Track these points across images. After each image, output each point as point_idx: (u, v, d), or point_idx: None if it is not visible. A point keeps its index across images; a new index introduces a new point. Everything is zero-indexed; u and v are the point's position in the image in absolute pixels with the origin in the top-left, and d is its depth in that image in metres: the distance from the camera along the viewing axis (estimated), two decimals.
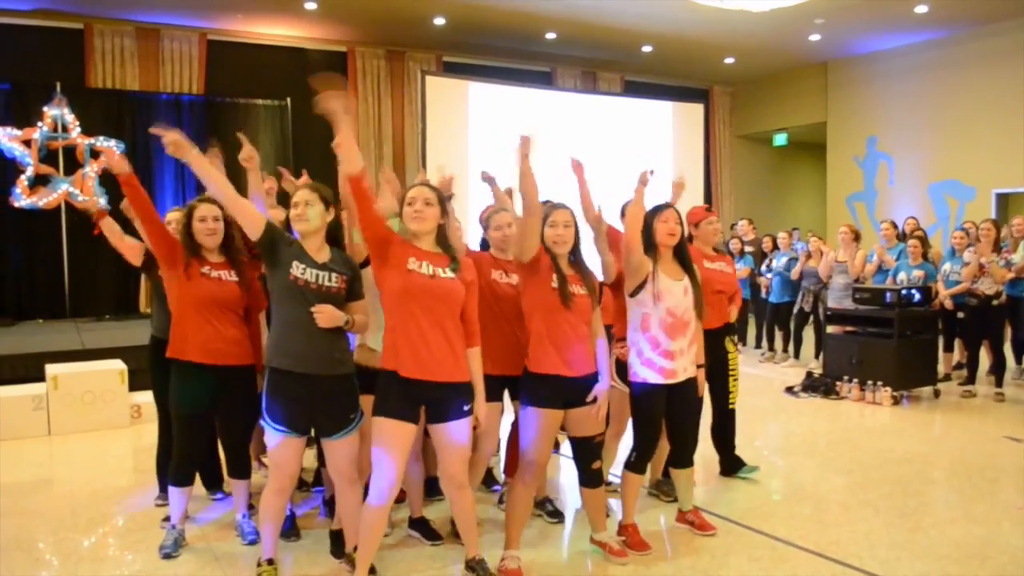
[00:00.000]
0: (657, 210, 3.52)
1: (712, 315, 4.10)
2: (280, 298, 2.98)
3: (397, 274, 2.83)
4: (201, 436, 3.55)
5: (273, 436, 2.98)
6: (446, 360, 2.86)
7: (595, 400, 3.21)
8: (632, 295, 3.44)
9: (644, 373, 3.42)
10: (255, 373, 3.51)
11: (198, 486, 4.06)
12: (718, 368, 4.24)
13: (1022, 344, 7.37)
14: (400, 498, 3.81)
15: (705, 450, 4.34)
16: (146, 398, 5.94)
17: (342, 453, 3.04)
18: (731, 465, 4.53)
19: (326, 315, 2.91)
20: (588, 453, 3.27)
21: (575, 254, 3.23)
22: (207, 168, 2.96)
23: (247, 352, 3.49)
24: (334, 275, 3.01)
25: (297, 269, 2.93)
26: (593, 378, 3.21)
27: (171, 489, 3.53)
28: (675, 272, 3.46)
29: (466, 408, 2.93)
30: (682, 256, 3.51)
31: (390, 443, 2.81)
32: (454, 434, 2.92)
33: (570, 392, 3.16)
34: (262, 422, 3.02)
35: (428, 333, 2.83)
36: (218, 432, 3.62)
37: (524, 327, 3.26)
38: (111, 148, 9.17)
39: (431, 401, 2.89)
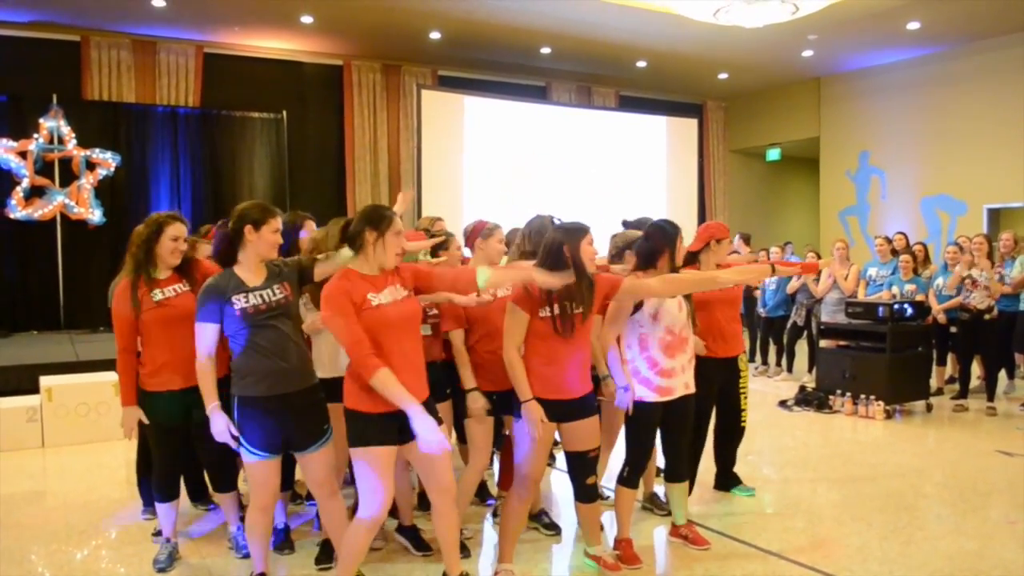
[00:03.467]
0: (674, 237, 3.44)
1: (728, 342, 4.14)
2: (239, 330, 2.95)
3: (366, 315, 2.75)
4: (179, 450, 3.51)
5: (250, 458, 2.97)
6: (418, 381, 2.85)
7: (596, 411, 3.22)
8: (629, 314, 3.45)
9: (640, 391, 3.43)
10: (228, 386, 3.50)
11: (184, 499, 4.06)
12: (732, 388, 4.27)
13: (1011, 359, 7.42)
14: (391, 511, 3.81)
15: (700, 464, 4.36)
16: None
17: (319, 465, 3.03)
18: (727, 481, 4.55)
19: (219, 434, 2.94)
20: (583, 468, 3.26)
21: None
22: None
23: (221, 365, 3.45)
24: (275, 287, 3.00)
25: (239, 302, 2.92)
26: (590, 397, 3.20)
27: (158, 505, 3.51)
28: None
29: (438, 417, 2.91)
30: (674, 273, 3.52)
31: (374, 467, 2.78)
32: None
33: (564, 411, 3.14)
34: (236, 445, 2.99)
35: (401, 360, 2.78)
36: (197, 450, 3.55)
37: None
38: (108, 160, 9.21)
39: (402, 420, 2.81)
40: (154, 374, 3.35)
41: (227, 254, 3.07)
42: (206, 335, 2.96)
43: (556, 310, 3.05)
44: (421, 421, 2.69)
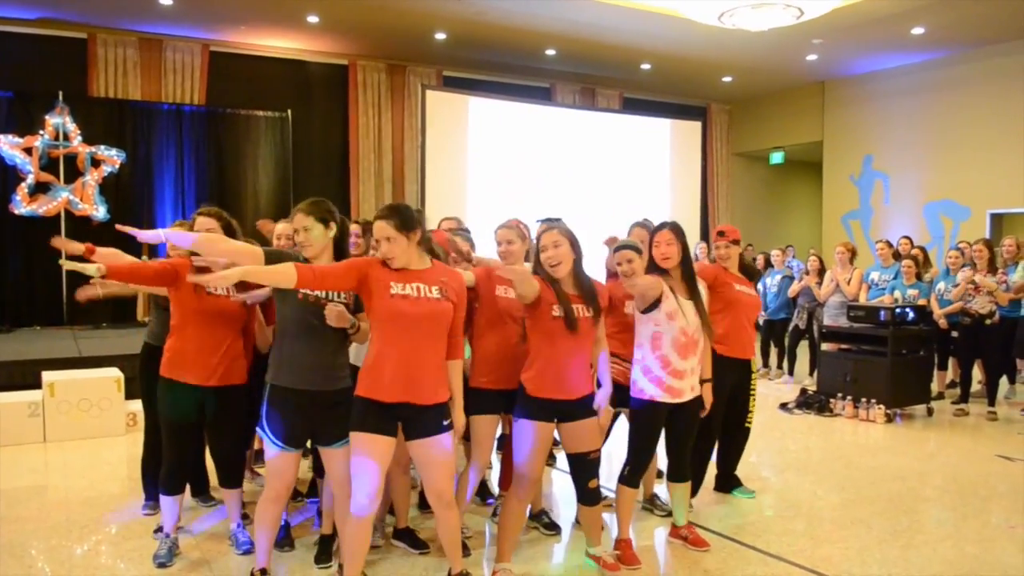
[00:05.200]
0: (653, 232, 3.55)
1: (745, 345, 4.20)
2: (289, 317, 3.00)
3: (380, 301, 2.79)
4: (190, 445, 3.55)
5: (271, 448, 3.01)
6: (428, 382, 2.85)
7: (596, 413, 3.23)
8: (644, 312, 3.45)
9: (650, 390, 3.43)
10: (249, 389, 3.52)
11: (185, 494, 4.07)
12: (742, 390, 4.30)
13: (1012, 364, 7.42)
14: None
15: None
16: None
17: (342, 462, 3.03)
18: (728, 483, 4.55)
19: (335, 314, 2.92)
20: (584, 470, 3.25)
21: (577, 270, 3.21)
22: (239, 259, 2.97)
23: (242, 370, 3.49)
24: (342, 292, 3.05)
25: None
26: (589, 399, 3.22)
27: (163, 498, 3.51)
28: (684, 291, 3.49)
29: (445, 423, 2.92)
30: (688, 276, 3.53)
31: (369, 455, 2.80)
32: (436, 448, 2.90)
33: (565, 410, 3.16)
34: (261, 433, 3.04)
35: (412, 356, 2.81)
36: (209, 445, 3.61)
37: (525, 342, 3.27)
38: (113, 158, 9.23)
39: (409, 419, 2.87)
40: (174, 362, 3.39)
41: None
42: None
43: (563, 311, 3.08)
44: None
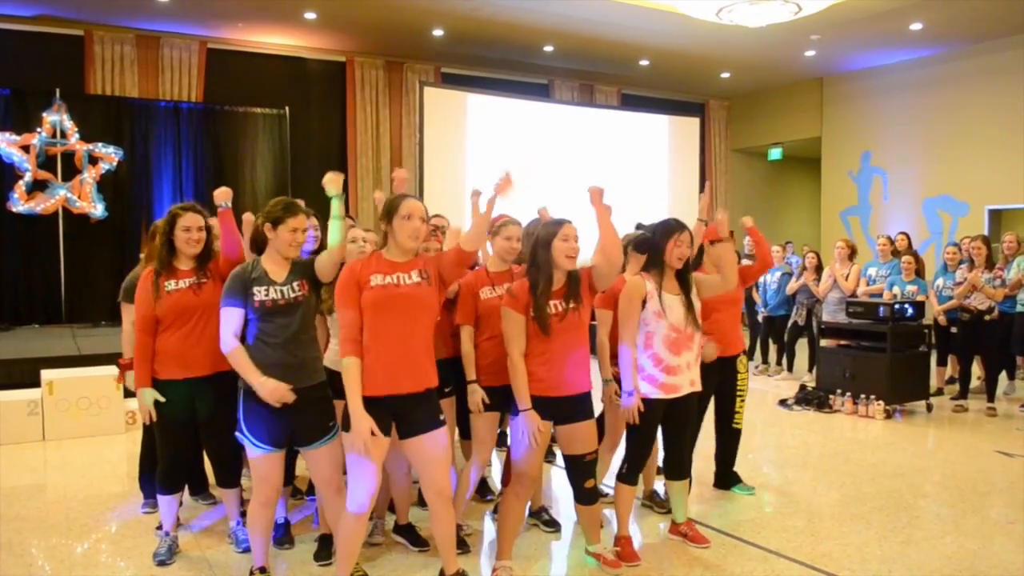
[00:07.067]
0: (672, 231, 3.48)
1: (728, 342, 4.18)
2: (252, 320, 3.01)
3: (365, 294, 2.82)
4: (186, 444, 3.53)
5: (254, 451, 3.00)
6: (415, 369, 2.85)
7: (592, 415, 3.22)
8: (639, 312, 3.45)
9: (644, 388, 3.43)
10: (234, 380, 3.51)
11: (184, 493, 4.07)
12: (728, 388, 4.29)
13: (1011, 360, 7.42)
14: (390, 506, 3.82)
15: (700, 463, 4.37)
16: None
17: (325, 461, 3.05)
18: (727, 480, 4.55)
19: (272, 393, 2.90)
20: (581, 471, 3.25)
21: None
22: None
23: (222, 359, 3.44)
24: (295, 284, 3.05)
25: (259, 294, 2.98)
26: (586, 399, 3.20)
27: (160, 497, 3.52)
28: (674, 287, 3.48)
29: (441, 418, 2.93)
30: (683, 273, 3.52)
31: (365, 455, 2.79)
32: (430, 444, 2.90)
33: (561, 409, 3.15)
34: (241, 438, 3.02)
35: (397, 345, 2.81)
36: (204, 444, 3.60)
37: None
38: (110, 155, 9.21)
39: (401, 414, 2.87)
40: (158, 361, 3.38)
41: (255, 246, 3.18)
42: (230, 319, 3.00)
43: (536, 317, 3.07)
44: (354, 419, 2.76)
